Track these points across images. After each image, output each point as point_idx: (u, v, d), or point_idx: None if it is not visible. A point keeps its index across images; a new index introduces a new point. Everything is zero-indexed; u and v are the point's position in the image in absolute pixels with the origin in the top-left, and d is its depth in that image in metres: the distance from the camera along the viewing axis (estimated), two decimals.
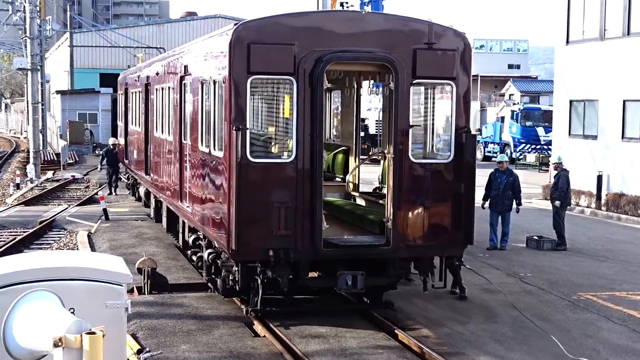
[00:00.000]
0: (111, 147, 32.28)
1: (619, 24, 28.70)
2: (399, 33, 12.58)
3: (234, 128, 11.63)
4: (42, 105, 48.01)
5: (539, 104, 57.61)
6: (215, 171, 12.93)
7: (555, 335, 12.59)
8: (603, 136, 29.13)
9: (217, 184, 12.74)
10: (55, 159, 49.56)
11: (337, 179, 16.34)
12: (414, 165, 12.53)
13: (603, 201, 27.94)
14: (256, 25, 12.20)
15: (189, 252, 16.50)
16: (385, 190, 13.43)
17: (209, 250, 13.88)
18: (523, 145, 48.40)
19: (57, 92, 66.94)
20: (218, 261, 13.41)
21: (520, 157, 48.07)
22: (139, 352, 11.30)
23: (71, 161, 49.58)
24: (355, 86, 15.74)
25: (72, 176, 40.07)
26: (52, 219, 24.79)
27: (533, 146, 47.96)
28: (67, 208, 27.82)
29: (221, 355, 11.21)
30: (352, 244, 12.69)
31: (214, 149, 12.98)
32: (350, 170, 15.86)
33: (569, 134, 31.07)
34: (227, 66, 11.91)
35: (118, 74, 33.54)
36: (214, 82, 12.94)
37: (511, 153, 47.58)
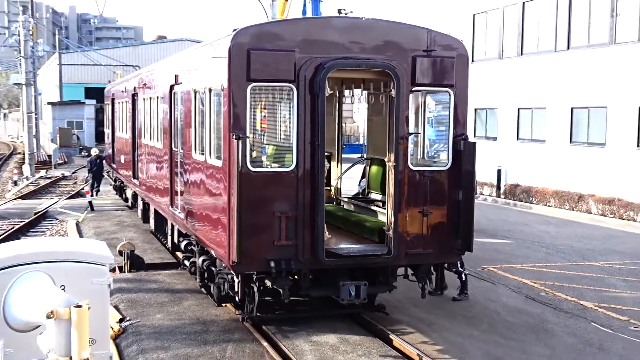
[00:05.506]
0: (94, 157, 26.76)
1: (514, 46, 29.22)
2: (398, 39, 10.56)
3: (234, 137, 9.57)
4: (36, 114, 47.05)
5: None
6: (212, 180, 10.87)
7: (463, 301, 12.75)
8: (501, 138, 29.64)
9: (215, 193, 10.68)
10: (48, 159, 48.73)
11: None
12: (414, 173, 10.77)
13: (502, 190, 28.43)
14: (256, 31, 10.01)
15: (180, 254, 14.41)
16: (374, 196, 12.26)
17: (203, 257, 11.99)
18: (436, 144, 48.86)
19: (49, 103, 65.71)
20: (213, 268, 11.56)
21: (435, 156, 48.51)
22: (120, 320, 11.19)
23: (61, 161, 48.81)
24: (337, 93, 13.64)
25: (62, 174, 39.49)
26: (45, 210, 24.36)
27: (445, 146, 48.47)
28: (58, 201, 27.35)
29: (190, 322, 11.13)
30: (354, 253, 10.63)
31: (210, 157, 10.97)
32: (334, 175, 14.02)
33: (474, 136, 31.48)
34: (226, 73, 9.86)
35: (100, 88, 32.97)
36: (210, 90, 10.94)
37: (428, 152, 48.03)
